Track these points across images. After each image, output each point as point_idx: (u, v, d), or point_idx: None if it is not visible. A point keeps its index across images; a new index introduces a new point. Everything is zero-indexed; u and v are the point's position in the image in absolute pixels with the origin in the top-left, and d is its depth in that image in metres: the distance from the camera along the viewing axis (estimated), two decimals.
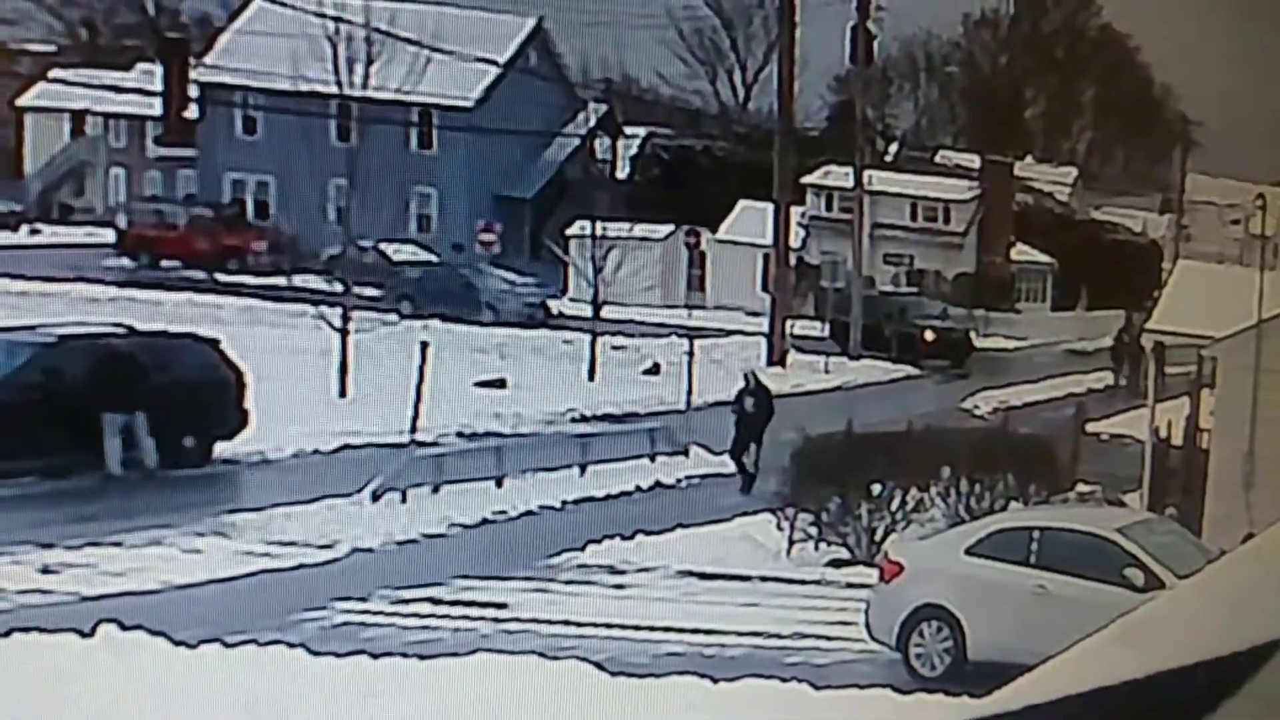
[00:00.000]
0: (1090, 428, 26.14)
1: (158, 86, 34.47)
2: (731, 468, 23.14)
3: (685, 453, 23.39)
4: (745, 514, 19.86)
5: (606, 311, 32.85)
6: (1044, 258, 47.43)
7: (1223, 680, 1.86)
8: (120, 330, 22.01)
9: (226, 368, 21.92)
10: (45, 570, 16.22)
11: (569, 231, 39.12)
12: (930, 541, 15.77)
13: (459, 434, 23.93)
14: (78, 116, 50.90)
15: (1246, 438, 18.68)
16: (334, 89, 30.64)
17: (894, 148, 54.28)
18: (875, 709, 11.86)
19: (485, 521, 19.61)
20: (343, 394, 26.45)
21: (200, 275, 40.38)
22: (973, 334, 40.47)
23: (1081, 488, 21.43)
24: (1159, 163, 60.96)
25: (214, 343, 22.32)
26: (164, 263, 41.70)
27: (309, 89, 32.69)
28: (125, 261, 42.09)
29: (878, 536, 18.53)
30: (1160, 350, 21.24)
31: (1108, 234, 50.59)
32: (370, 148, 30.92)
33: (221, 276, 40.35)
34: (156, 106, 36.81)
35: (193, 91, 38.16)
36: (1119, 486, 21.39)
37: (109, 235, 44.18)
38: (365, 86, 29.96)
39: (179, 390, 20.88)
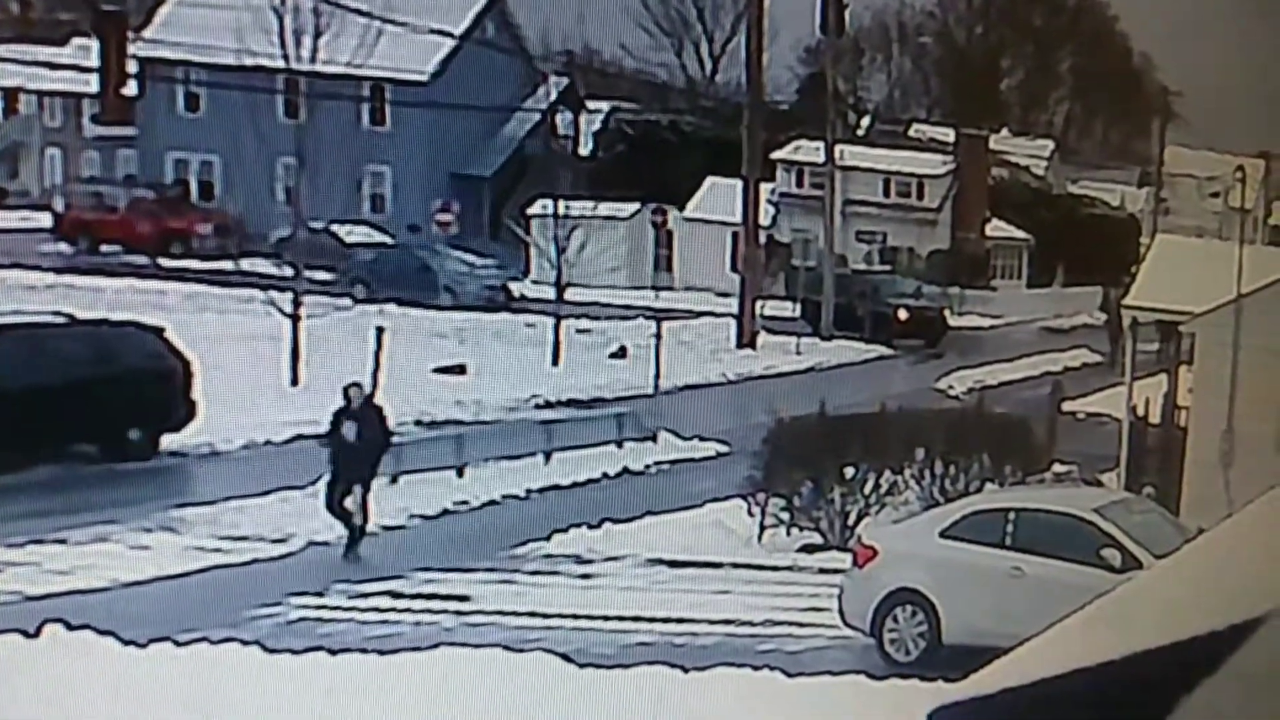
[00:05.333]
0: (1067, 406, 26.16)
1: (94, 62, 33.65)
2: (703, 451, 22.67)
3: (653, 438, 23.09)
4: (716, 500, 19.66)
5: (570, 294, 32.53)
6: (1020, 233, 47.33)
7: (1201, 659, 1.89)
8: (60, 319, 21.59)
9: (172, 357, 21.47)
10: None
11: (530, 210, 38.62)
12: (904, 525, 15.75)
13: (418, 422, 23.56)
14: (10, 95, 50.20)
15: (1225, 415, 18.56)
16: (281, 63, 29.74)
17: (866, 121, 54.08)
18: (849, 695, 11.75)
19: (446, 512, 19.42)
20: (295, 382, 25.98)
21: (143, 260, 39.82)
22: (947, 312, 40.38)
23: (1058, 468, 21.51)
24: (1137, 135, 60.95)
25: (158, 331, 21.88)
26: (104, 247, 41.17)
27: (254, 63, 31.99)
28: (63, 246, 41.55)
29: (851, 520, 18.50)
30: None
31: (1085, 208, 50.59)
32: (320, 125, 29.95)
33: (165, 261, 39.77)
34: (93, 83, 35.99)
35: (131, 67, 37.31)
36: (1096, 466, 21.52)
37: (45, 219, 43.66)
38: (314, 60, 29.15)
39: (123, 381, 20.49)
